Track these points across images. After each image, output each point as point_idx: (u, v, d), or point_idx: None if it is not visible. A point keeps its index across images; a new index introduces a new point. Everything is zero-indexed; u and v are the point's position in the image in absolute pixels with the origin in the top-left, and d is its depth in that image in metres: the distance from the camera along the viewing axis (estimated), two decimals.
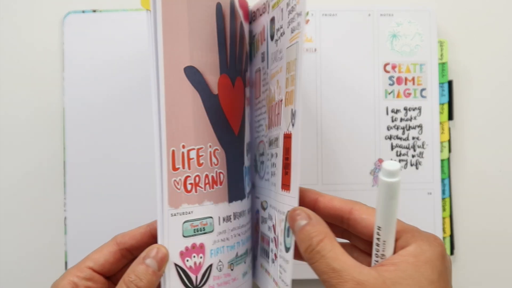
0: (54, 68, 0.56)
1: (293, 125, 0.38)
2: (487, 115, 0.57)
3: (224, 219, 0.42)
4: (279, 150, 0.41)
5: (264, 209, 0.46)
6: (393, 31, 0.55)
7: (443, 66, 0.55)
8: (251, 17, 0.49)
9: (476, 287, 0.57)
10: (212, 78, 0.42)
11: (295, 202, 0.37)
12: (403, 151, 0.54)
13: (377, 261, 0.35)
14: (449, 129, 0.56)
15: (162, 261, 0.37)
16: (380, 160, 0.54)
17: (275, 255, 0.41)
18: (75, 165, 0.55)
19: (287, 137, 0.39)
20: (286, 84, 0.40)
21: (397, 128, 0.54)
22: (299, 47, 0.37)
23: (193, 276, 0.40)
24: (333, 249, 0.33)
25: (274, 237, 0.42)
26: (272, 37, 0.44)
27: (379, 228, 0.34)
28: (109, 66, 0.55)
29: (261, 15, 0.47)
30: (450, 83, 0.56)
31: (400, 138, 0.54)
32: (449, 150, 0.55)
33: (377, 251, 0.35)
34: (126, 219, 0.54)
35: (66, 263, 0.55)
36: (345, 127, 0.54)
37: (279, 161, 0.41)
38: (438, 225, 0.54)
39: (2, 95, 0.56)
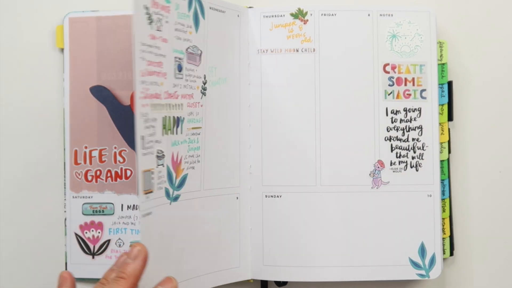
0: (54, 68, 0.56)
1: None
2: (487, 115, 0.57)
3: (128, 207, 0.54)
4: None
5: None
6: (392, 32, 0.54)
7: (442, 67, 0.55)
8: None
9: (476, 287, 0.57)
10: (124, 92, 0.54)
11: None
12: (403, 152, 0.54)
13: None
14: (449, 130, 0.56)
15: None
16: (380, 162, 0.54)
17: None
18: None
19: None
20: None
21: (397, 129, 0.54)
22: None
23: (91, 245, 0.54)
24: None
25: None
26: None
27: None
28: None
29: None
30: (450, 84, 0.56)
31: (400, 140, 0.54)
32: (449, 151, 0.55)
33: None
34: None
35: (66, 263, 0.55)
36: (344, 128, 0.54)
37: None
38: (438, 226, 0.53)
39: (2, 95, 0.56)
